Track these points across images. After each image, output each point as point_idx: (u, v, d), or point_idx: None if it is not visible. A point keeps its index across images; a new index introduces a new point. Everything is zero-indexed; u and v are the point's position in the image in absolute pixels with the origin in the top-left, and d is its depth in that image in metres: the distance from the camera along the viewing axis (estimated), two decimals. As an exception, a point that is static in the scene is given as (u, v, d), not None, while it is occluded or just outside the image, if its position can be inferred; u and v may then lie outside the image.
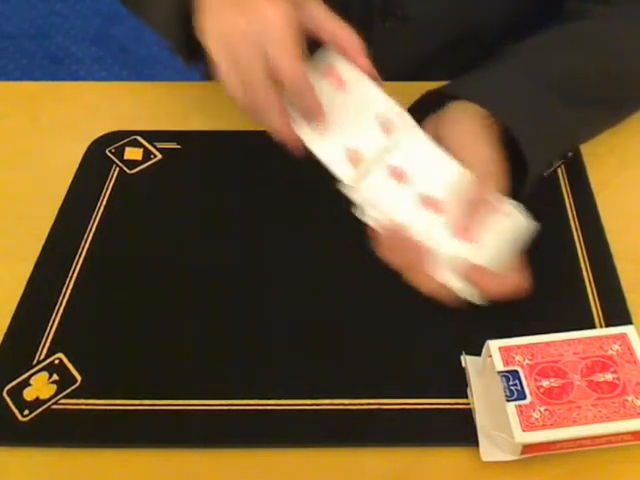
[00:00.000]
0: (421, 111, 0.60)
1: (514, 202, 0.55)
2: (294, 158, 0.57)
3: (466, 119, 0.59)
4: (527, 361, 0.49)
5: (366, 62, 0.57)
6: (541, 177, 0.63)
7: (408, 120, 0.57)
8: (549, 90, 0.61)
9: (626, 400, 0.47)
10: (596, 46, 0.65)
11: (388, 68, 0.80)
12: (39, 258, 0.61)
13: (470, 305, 0.53)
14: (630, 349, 0.49)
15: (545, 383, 0.48)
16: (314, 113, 0.55)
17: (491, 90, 0.61)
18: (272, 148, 0.59)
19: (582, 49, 0.65)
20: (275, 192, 0.66)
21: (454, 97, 0.60)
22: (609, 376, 0.48)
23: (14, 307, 0.57)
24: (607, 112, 0.67)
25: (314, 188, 0.62)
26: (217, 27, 0.54)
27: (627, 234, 0.61)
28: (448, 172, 0.55)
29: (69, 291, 0.58)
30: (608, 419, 0.46)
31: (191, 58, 0.64)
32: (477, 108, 0.59)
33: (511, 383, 0.48)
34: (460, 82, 0.62)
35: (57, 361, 0.54)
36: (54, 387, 0.52)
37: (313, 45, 0.57)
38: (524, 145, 0.57)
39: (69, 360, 0.54)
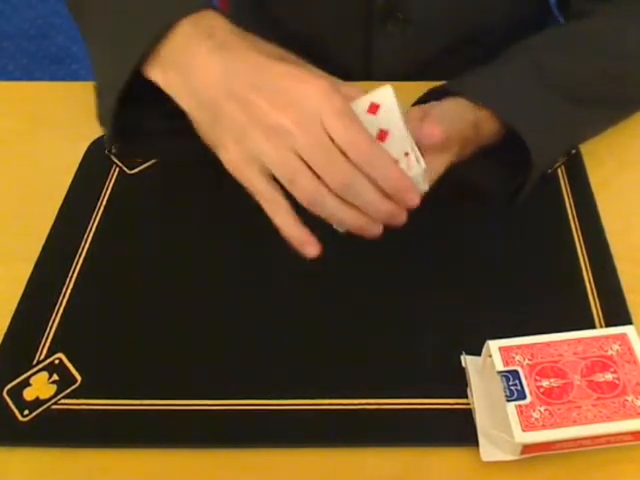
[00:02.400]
0: None
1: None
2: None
3: (457, 105, 0.59)
4: (527, 361, 0.49)
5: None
6: (544, 175, 0.63)
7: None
8: (552, 89, 0.61)
9: (626, 400, 0.47)
10: (600, 46, 0.65)
11: (390, 70, 0.80)
12: (39, 258, 0.61)
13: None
14: (630, 349, 0.49)
15: (545, 383, 0.48)
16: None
17: (494, 88, 0.61)
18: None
19: (586, 49, 0.65)
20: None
21: (457, 95, 0.60)
22: (609, 376, 0.48)
23: (14, 307, 0.57)
24: (610, 111, 0.67)
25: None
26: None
27: (627, 234, 0.61)
28: None
29: (69, 291, 0.58)
30: (608, 419, 0.46)
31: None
32: (471, 105, 0.59)
33: (511, 383, 0.48)
34: (464, 80, 0.62)
35: (57, 361, 0.54)
36: (54, 387, 0.52)
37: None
38: (529, 142, 0.57)
39: (69, 360, 0.54)
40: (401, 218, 0.50)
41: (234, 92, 0.49)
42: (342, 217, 0.49)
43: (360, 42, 0.78)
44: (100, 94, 0.60)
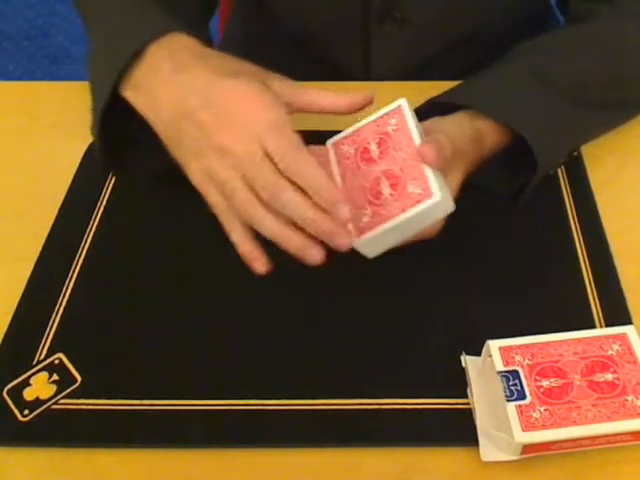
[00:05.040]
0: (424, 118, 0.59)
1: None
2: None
3: (458, 122, 0.59)
4: (527, 361, 0.49)
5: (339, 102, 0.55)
6: (545, 175, 0.63)
7: None
8: (553, 92, 0.61)
9: (626, 400, 0.47)
10: (600, 48, 0.65)
11: (389, 69, 0.80)
12: (39, 258, 0.61)
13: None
14: (630, 349, 0.49)
15: (545, 383, 0.48)
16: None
17: (497, 96, 0.61)
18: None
19: (585, 51, 0.65)
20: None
21: (459, 108, 0.60)
22: (609, 376, 0.48)
23: (14, 307, 0.57)
24: (612, 114, 0.67)
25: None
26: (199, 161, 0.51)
27: (627, 234, 0.61)
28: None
29: (69, 291, 0.58)
30: (608, 419, 0.46)
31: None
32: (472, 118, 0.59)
33: (511, 383, 0.48)
34: (465, 90, 0.62)
35: (57, 361, 0.54)
36: (54, 387, 0.52)
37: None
38: (535, 147, 0.58)
39: (69, 360, 0.54)
40: (340, 238, 0.49)
41: (188, 112, 0.52)
42: (279, 234, 0.49)
43: (358, 42, 0.78)
44: (92, 109, 0.62)
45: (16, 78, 2.02)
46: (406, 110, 0.54)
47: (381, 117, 0.55)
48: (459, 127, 0.58)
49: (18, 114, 0.75)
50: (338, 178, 0.54)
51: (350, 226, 0.51)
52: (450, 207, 0.52)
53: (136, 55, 0.56)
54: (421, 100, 0.63)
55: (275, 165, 0.48)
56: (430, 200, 0.50)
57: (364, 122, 0.56)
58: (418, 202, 0.50)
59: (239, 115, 0.50)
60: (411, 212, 0.50)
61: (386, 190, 0.52)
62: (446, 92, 0.63)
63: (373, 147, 0.54)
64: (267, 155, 0.48)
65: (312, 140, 0.54)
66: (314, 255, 0.50)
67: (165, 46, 0.56)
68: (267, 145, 0.48)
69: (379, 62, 0.79)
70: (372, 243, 0.52)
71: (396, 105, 0.55)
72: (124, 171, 0.64)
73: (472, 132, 0.59)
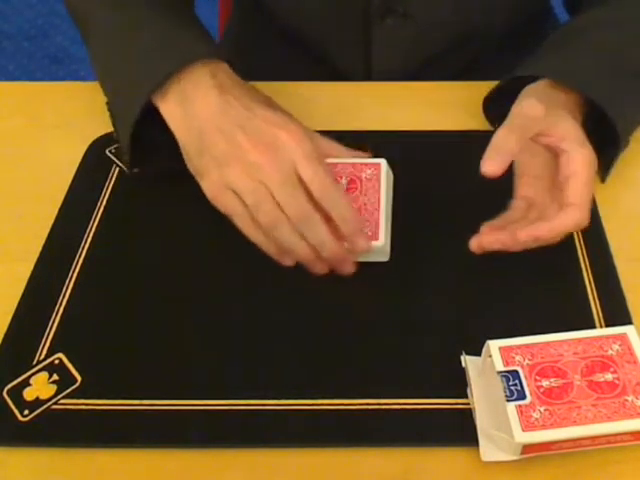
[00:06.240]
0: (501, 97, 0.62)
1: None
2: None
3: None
4: (527, 361, 0.49)
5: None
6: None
7: None
8: (623, 67, 0.63)
9: (626, 400, 0.47)
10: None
11: (390, 67, 0.80)
12: (39, 258, 0.61)
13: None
14: (630, 349, 0.49)
15: (545, 383, 0.48)
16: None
17: (575, 69, 0.62)
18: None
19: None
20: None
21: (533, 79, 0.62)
22: (609, 376, 0.48)
23: (14, 307, 0.57)
24: None
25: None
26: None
27: (627, 234, 0.61)
28: None
29: (69, 291, 0.58)
30: (608, 419, 0.46)
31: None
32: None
33: (511, 383, 0.48)
34: (540, 63, 0.63)
35: (57, 361, 0.54)
36: (54, 387, 0.52)
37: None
38: (617, 121, 0.60)
39: (69, 360, 0.54)
40: (347, 266, 0.56)
41: (222, 127, 0.56)
42: (295, 246, 0.55)
43: (359, 40, 0.78)
44: (116, 117, 0.64)
45: (16, 78, 2.03)
46: (383, 169, 0.59)
47: (360, 163, 0.59)
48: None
49: (18, 114, 0.75)
50: None
51: None
52: (385, 258, 0.58)
53: (175, 72, 0.59)
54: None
55: (308, 192, 0.53)
56: (373, 243, 0.56)
57: (341, 160, 0.59)
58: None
59: (276, 142, 0.54)
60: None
61: None
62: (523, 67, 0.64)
63: (343, 182, 0.58)
64: (301, 182, 0.53)
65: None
66: (321, 269, 0.57)
67: (208, 67, 0.59)
68: (302, 172, 0.53)
69: (379, 61, 0.79)
70: None
71: (376, 161, 0.59)
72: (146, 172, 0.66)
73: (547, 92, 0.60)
